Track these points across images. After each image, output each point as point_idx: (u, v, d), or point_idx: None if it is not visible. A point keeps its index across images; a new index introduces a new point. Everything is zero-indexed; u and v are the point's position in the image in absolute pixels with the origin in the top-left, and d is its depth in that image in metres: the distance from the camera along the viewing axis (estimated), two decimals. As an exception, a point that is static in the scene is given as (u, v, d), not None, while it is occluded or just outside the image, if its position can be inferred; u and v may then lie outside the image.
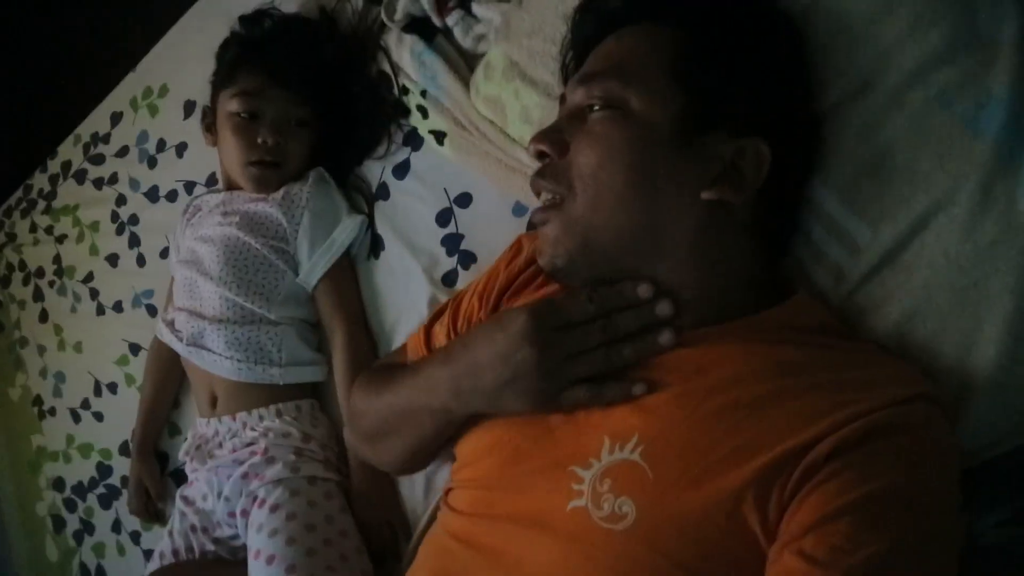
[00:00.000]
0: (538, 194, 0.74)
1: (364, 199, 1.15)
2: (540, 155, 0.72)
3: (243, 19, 1.17)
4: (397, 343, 1.07)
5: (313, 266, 1.11)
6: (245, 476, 1.05)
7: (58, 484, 1.47)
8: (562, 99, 0.76)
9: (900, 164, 0.69)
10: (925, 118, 0.68)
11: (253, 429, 1.09)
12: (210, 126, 1.18)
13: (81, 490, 1.43)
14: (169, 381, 1.29)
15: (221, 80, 1.14)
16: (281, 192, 1.12)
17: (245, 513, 1.03)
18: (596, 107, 0.69)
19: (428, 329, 0.89)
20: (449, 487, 0.78)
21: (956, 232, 0.66)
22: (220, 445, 1.11)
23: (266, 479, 1.02)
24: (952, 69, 0.67)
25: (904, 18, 0.68)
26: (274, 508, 0.99)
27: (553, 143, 0.71)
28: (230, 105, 1.11)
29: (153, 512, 1.29)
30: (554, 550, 0.62)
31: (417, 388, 0.78)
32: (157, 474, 1.28)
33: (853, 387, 0.60)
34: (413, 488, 1.03)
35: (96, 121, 1.55)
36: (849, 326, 0.72)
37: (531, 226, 0.95)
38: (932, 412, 0.61)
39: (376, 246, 1.12)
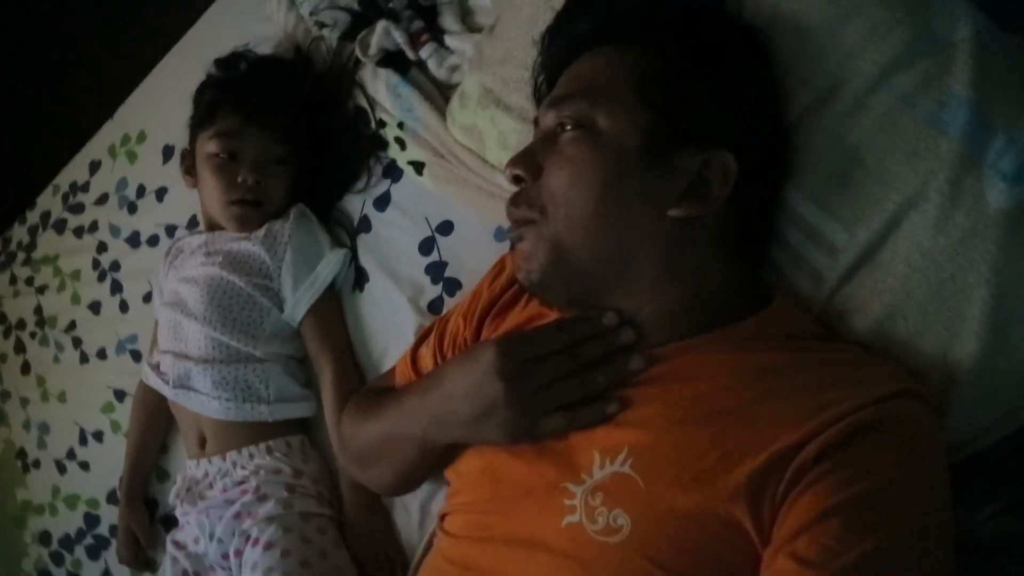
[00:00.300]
0: (514, 221, 0.74)
1: (346, 232, 1.15)
2: (516, 179, 0.73)
3: (219, 62, 1.18)
4: (385, 374, 1.07)
5: (297, 302, 1.11)
6: (237, 515, 1.03)
7: (44, 538, 1.44)
8: (536, 122, 0.77)
9: (870, 165, 0.71)
10: (891, 119, 0.69)
11: (243, 468, 1.08)
12: (189, 168, 1.18)
13: (68, 543, 1.40)
14: (156, 426, 1.28)
15: (199, 122, 1.15)
16: (263, 230, 1.12)
17: (239, 553, 1.02)
18: (567, 128, 0.70)
19: (414, 352, 0.90)
20: (445, 512, 0.78)
21: (929, 228, 0.68)
22: (211, 486, 1.09)
23: (259, 517, 1.01)
24: (912, 71, 0.69)
25: (863, 26, 0.70)
26: (268, 546, 0.98)
27: (527, 167, 0.72)
28: (209, 146, 1.12)
29: (143, 560, 1.27)
30: (550, 567, 0.62)
31: (399, 417, 0.80)
32: (147, 521, 1.26)
33: (837, 387, 0.61)
34: (408, 518, 1.02)
35: (74, 170, 1.55)
36: (832, 328, 0.74)
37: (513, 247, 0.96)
38: (917, 408, 0.61)
39: (360, 278, 1.12)
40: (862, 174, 0.71)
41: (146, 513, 1.27)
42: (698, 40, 0.71)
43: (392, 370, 0.96)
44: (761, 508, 0.57)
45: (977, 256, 0.66)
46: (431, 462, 0.83)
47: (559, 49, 0.78)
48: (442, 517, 0.78)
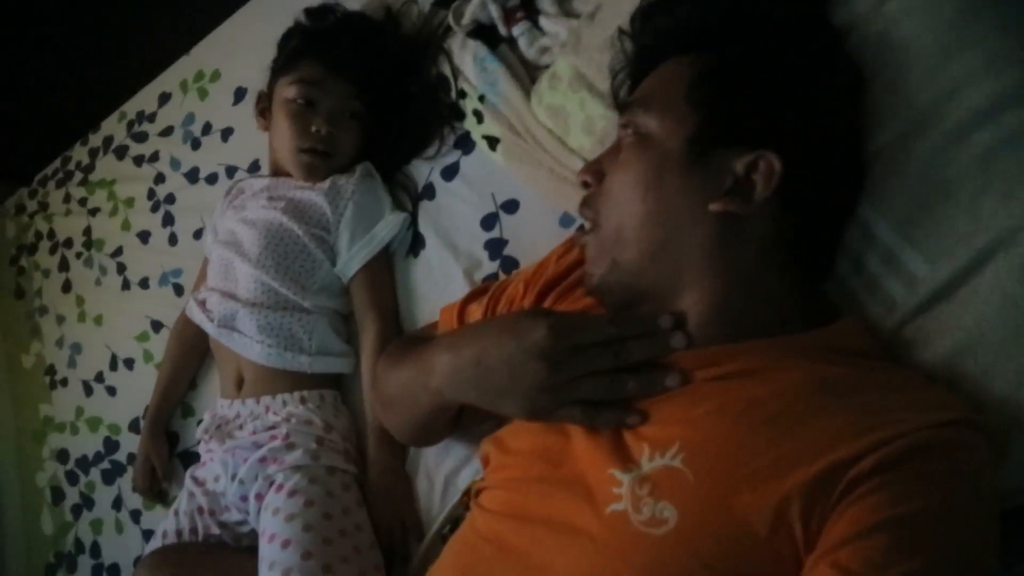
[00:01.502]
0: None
1: (408, 197, 1.16)
2: (584, 185, 0.78)
3: (308, 11, 1.19)
4: (430, 341, 1.07)
5: (351, 257, 1.11)
6: (263, 460, 1.04)
7: (62, 456, 1.46)
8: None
9: (962, 201, 0.70)
10: (991, 157, 0.69)
11: (275, 414, 1.08)
12: (264, 111, 1.19)
13: (85, 464, 1.42)
14: (190, 361, 1.29)
15: (281, 67, 1.16)
16: (328, 182, 1.13)
17: (260, 497, 1.03)
18: (628, 136, 0.73)
19: (464, 306, 0.90)
20: (483, 486, 0.78)
21: (1015, 272, 0.67)
22: (240, 427, 1.10)
23: (285, 464, 1.02)
24: (1022, 111, 0.68)
25: (980, 56, 0.69)
26: (292, 493, 0.99)
27: (593, 173, 0.76)
28: (288, 92, 1.13)
29: (157, 491, 1.28)
30: (589, 554, 0.62)
31: (419, 366, 0.81)
32: (166, 454, 1.28)
33: (897, 407, 0.60)
34: (432, 488, 1.02)
35: (143, 100, 1.56)
36: (898, 357, 0.73)
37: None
38: (975, 438, 0.60)
39: (416, 244, 1.13)
40: (952, 208, 0.70)
41: (167, 445, 1.28)
42: (751, 44, 0.71)
43: (435, 323, 0.96)
44: (811, 516, 0.57)
45: None
46: (446, 420, 0.84)
47: (635, 59, 0.82)
48: (478, 492, 0.78)
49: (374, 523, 1.02)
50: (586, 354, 0.68)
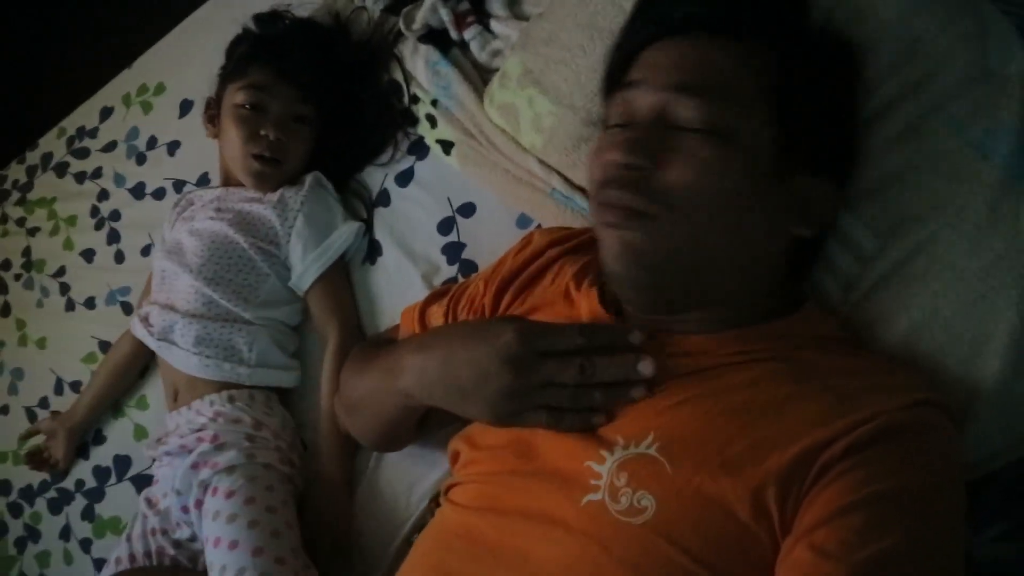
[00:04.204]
0: (622, 207, 0.67)
1: (363, 204, 1.15)
2: (631, 167, 0.66)
3: (258, 17, 1.18)
4: (392, 347, 1.06)
5: (306, 270, 1.10)
6: (195, 465, 1.01)
7: (3, 487, 1.39)
8: (620, 85, 0.72)
9: (909, 182, 0.72)
10: (938, 142, 0.71)
11: (201, 414, 1.06)
12: (213, 118, 1.18)
13: (29, 494, 1.35)
14: (123, 377, 1.26)
15: (230, 73, 1.15)
16: (277, 195, 1.12)
17: (199, 504, 0.99)
18: (695, 127, 0.65)
19: (425, 308, 0.89)
20: (453, 483, 0.77)
21: (964, 248, 0.69)
22: (179, 435, 1.07)
23: (219, 466, 0.99)
24: (966, 100, 0.71)
25: (931, 57, 0.72)
26: (229, 494, 0.96)
27: (646, 154, 0.66)
28: (236, 97, 1.11)
29: (41, 463, 1.28)
30: (567, 543, 0.61)
31: (386, 368, 0.79)
32: (72, 449, 1.28)
33: (866, 391, 0.62)
34: (396, 497, 1.00)
35: (84, 115, 1.52)
36: (857, 335, 0.74)
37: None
38: (940, 418, 0.62)
39: (373, 252, 1.12)
40: (900, 189, 0.73)
41: (74, 447, 1.28)
42: (825, 56, 0.70)
43: (397, 325, 0.95)
44: (786, 501, 0.57)
45: (1009, 280, 0.67)
46: (411, 423, 0.83)
47: (655, 26, 0.72)
48: (447, 489, 0.77)
49: (305, 532, 0.99)
50: (552, 363, 0.66)
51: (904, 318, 0.71)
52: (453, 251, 1.05)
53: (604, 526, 0.60)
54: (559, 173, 0.95)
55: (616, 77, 0.74)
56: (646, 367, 0.65)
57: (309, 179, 1.13)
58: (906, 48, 0.73)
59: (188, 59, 1.39)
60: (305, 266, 1.10)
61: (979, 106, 0.70)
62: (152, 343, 1.11)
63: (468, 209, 1.06)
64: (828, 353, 0.68)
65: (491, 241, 1.02)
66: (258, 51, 1.13)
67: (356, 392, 0.88)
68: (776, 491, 0.57)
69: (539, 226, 1.00)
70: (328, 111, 1.14)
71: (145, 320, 1.14)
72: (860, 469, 0.56)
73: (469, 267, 1.04)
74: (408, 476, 0.99)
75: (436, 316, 0.88)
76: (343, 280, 1.12)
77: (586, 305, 0.75)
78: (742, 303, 0.70)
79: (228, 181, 1.18)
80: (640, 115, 0.68)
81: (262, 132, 1.10)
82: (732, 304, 0.69)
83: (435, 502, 0.96)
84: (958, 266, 0.69)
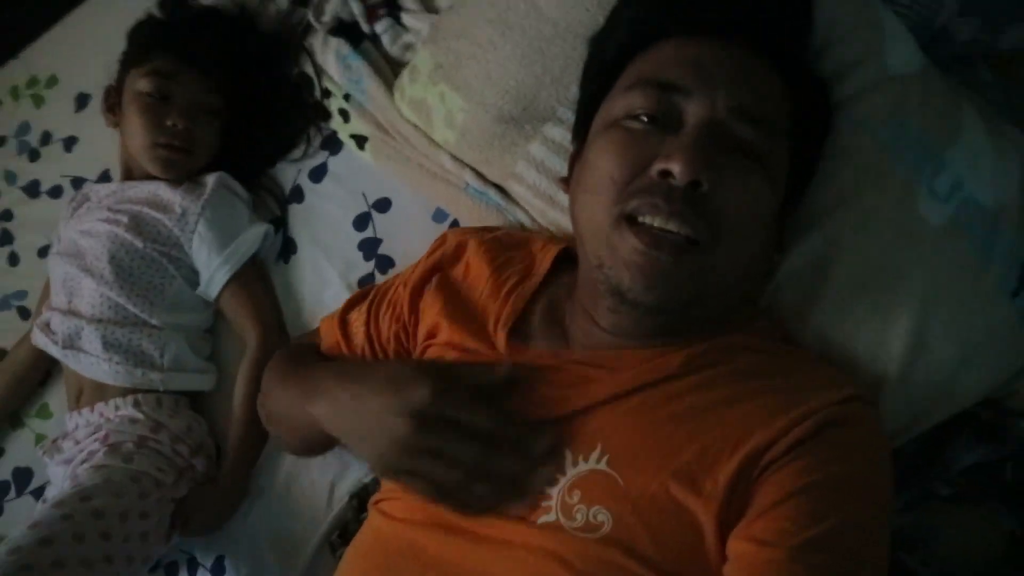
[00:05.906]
0: (657, 228, 0.62)
1: (276, 201, 1.12)
2: (694, 184, 0.61)
3: (162, 2, 1.14)
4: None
5: (212, 276, 1.06)
6: (76, 463, 0.98)
7: None
8: (652, 82, 0.66)
9: (820, 179, 0.75)
10: (845, 141, 0.74)
11: (104, 416, 1.03)
12: (113, 107, 1.12)
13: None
14: (20, 387, 1.19)
15: (132, 59, 1.10)
16: (178, 197, 1.07)
17: None
18: (751, 153, 0.64)
19: (344, 315, 0.88)
20: (384, 496, 0.73)
21: (870, 240, 0.72)
22: (75, 441, 1.03)
23: (91, 463, 0.95)
24: (870, 101, 0.74)
25: (843, 54, 0.75)
26: (75, 487, 0.91)
27: (708, 173, 0.61)
28: (140, 84, 1.07)
29: None
30: (525, 563, 0.61)
31: (303, 388, 0.79)
32: None
33: (800, 389, 0.64)
34: (315, 496, 0.99)
35: (-37, 109, 1.43)
36: (786, 333, 0.76)
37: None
38: (867, 411, 0.65)
39: (287, 250, 1.10)
40: (816, 188, 0.75)
41: None
42: (820, 95, 0.74)
43: (316, 330, 0.93)
44: (745, 503, 0.59)
45: (916, 274, 0.71)
46: (329, 437, 0.79)
47: (692, 21, 0.69)
48: (377, 500, 0.74)
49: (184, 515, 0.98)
50: (453, 435, 0.64)
51: (817, 312, 0.74)
52: (369, 247, 1.04)
53: (562, 543, 0.60)
54: (472, 168, 0.94)
55: (621, 56, 0.71)
56: (543, 478, 0.63)
57: (212, 180, 1.08)
58: (816, 55, 0.76)
59: (81, 51, 1.32)
60: (211, 272, 1.06)
61: (880, 108, 0.73)
62: (56, 352, 1.06)
63: (384, 204, 1.05)
64: (762, 353, 0.70)
65: (407, 236, 1.01)
66: (162, 37, 1.09)
67: (276, 405, 0.86)
68: (726, 498, 0.59)
69: (455, 222, 1.00)
70: (236, 103, 1.11)
71: (46, 327, 1.08)
72: (797, 461, 0.59)
73: (386, 263, 1.03)
74: (328, 472, 0.98)
75: (356, 323, 0.86)
76: (257, 282, 1.09)
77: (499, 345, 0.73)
78: (709, 320, 0.70)
79: (129, 174, 1.13)
80: (688, 120, 0.64)
81: (168, 122, 1.06)
82: (704, 323, 0.69)
83: (355, 500, 0.96)
84: (866, 256, 0.72)
